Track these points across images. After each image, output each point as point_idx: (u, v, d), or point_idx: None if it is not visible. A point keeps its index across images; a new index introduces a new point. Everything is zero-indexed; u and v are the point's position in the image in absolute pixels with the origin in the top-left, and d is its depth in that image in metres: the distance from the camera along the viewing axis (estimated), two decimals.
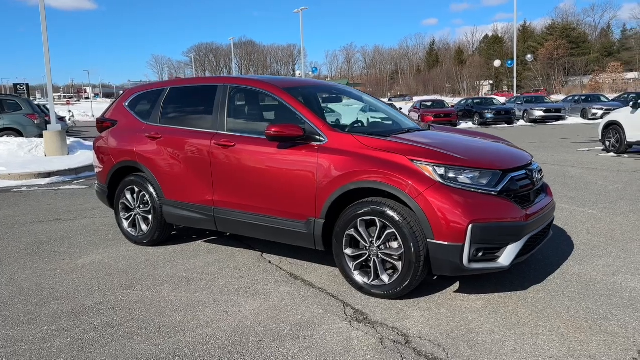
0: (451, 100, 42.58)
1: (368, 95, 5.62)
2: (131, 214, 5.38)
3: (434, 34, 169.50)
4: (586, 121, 27.07)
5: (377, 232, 3.79)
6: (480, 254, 3.58)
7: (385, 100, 45.39)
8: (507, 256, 3.63)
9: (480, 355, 3.00)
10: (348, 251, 3.95)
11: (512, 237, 3.62)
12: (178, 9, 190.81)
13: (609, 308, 3.60)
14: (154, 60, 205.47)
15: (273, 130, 4.10)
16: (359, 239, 3.89)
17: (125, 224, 5.43)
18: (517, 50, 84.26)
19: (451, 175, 3.63)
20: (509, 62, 41.34)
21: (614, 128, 12.48)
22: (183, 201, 4.90)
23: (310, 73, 60.80)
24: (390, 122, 5.00)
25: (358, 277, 3.92)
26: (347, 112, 5.93)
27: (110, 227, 6.21)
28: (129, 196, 5.36)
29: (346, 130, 4.27)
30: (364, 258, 3.89)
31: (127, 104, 5.58)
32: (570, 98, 31.91)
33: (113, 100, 6.29)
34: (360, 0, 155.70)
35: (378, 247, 3.81)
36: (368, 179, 3.76)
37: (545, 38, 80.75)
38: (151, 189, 5.13)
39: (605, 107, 26.84)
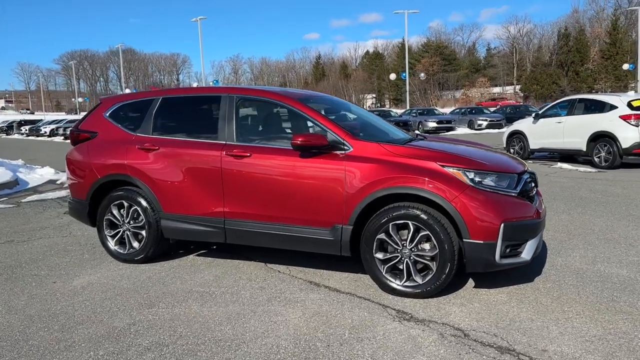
0: None
1: (356, 106, 5.83)
2: (119, 231, 5.09)
3: (319, 48, 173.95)
4: (473, 131, 29.51)
5: (410, 235, 4.00)
6: (507, 251, 3.93)
7: None
8: (527, 251, 4.02)
9: (536, 340, 3.31)
10: (379, 255, 4.11)
11: (531, 233, 4.02)
12: (46, 14, 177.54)
13: (609, 292, 4.11)
14: (19, 68, 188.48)
15: (300, 139, 4.17)
16: (390, 242, 4.07)
17: (111, 241, 5.12)
18: (397, 66, 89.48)
19: (478, 179, 3.95)
20: (403, 74, 43.76)
21: (517, 137, 13.83)
22: (186, 214, 4.75)
23: (212, 83, 59.59)
24: (386, 132, 5.24)
25: (390, 280, 4.10)
26: None
27: (80, 247, 5.80)
28: (115, 212, 5.07)
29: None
30: (396, 261, 4.08)
31: (107, 114, 5.28)
32: (458, 110, 34.59)
33: (88, 110, 5.90)
34: (246, 12, 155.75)
35: (410, 249, 4.02)
36: (403, 185, 3.96)
37: (422, 55, 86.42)
38: (145, 203, 4.91)
39: (489, 119, 29.49)
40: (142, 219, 4.94)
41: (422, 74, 58.67)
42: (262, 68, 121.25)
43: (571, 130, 12.00)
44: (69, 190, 5.62)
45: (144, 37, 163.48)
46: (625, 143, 10.84)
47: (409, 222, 3.98)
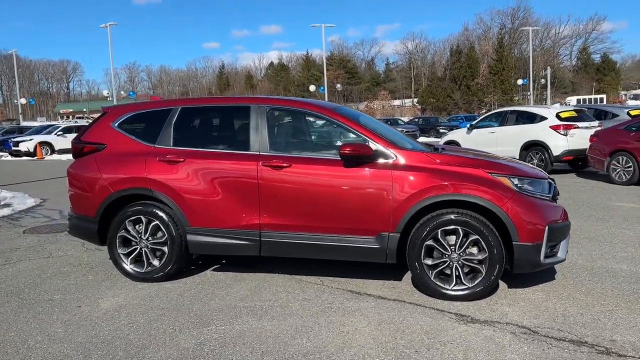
0: None
1: (365, 115, 5.92)
2: (135, 248, 4.78)
3: (221, 58, 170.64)
4: None
5: (459, 240, 4.16)
6: (548, 251, 4.22)
7: None
8: (562, 251, 4.34)
9: (599, 332, 3.58)
10: (428, 261, 4.23)
11: (564, 234, 4.34)
12: None
13: (627, 285, 4.51)
14: None
15: (348, 149, 4.20)
16: (439, 248, 4.20)
17: (126, 260, 4.80)
18: (303, 77, 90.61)
19: (520, 185, 4.21)
20: (321, 88, 44.52)
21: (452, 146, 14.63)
22: (216, 227, 4.59)
23: (123, 93, 56.60)
24: (407, 141, 5.36)
25: (439, 285, 4.22)
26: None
27: (75, 267, 5.37)
28: (131, 228, 4.77)
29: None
30: (444, 266, 4.22)
31: (116, 125, 4.96)
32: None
33: (91, 121, 5.49)
34: (142, 19, 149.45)
35: (459, 254, 4.18)
36: (454, 192, 4.11)
37: (327, 68, 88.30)
38: (168, 218, 4.66)
39: (405, 130, 30.76)
40: (164, 235, 4.69)
41: (339, 85, 59.96)
42: (161, 76, 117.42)
43: (505, 140, 12.93)
44: (69, 206, 5.18)
45: (30, 43, 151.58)
46: (555, 151, 11.87)
47: (459, 227, 4.14)
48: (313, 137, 4.99)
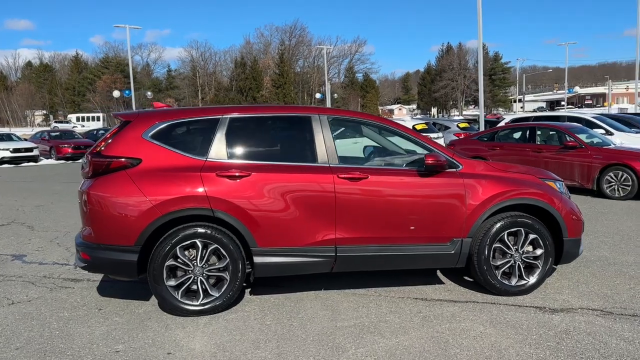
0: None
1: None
2: (187, 278, 4.13)
3: None
4: None
5: (521, 240, 4.60)
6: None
7: None
8: (582, 243, 5.08)
9: None
10: (496, 262, 4.57)
11: (583, 229, 5.10)
12: None
13: (615, 267, 5.40)
14: None
15: (431, 160, 4.35)
16: (504, 249, 4.58)
17: (176, 293, 4.11)
18: (72, 80, 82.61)
19: (559, 187, 4.85)
20: (127, 92, 40.91)
21: None
22: (287, 246, 4.24)
23: None
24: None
25: (505, 283, 4.59)
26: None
27: (76, 311, 4.37)
28: (181, 254, 4.10)
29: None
30: (507, 266, 4.61)
31: (149, 136, 4.20)
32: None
33: (110, 129, 4.44)
34: None
35: (520, 253, 4.61)
36: (523, 196, 4.55)
37: (102, 71, 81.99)
38: (227, 240, 4.14)
39: None
40: (225, 259, 4.15)
41: (149, 92, 56.01)
42: None
43: None
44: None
45: None
46: None
47: (522, 228, 4.58)
48: (383, 148, 4.93)
